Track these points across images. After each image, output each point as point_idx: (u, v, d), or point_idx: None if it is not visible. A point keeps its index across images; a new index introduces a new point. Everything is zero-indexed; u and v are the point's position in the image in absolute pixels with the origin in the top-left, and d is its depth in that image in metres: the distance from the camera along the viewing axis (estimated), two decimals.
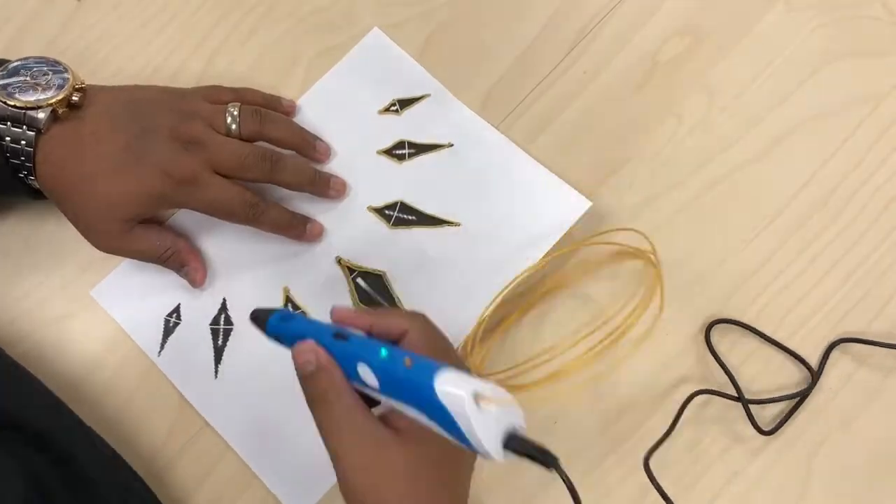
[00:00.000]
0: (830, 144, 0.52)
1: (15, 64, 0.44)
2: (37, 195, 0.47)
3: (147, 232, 0.47)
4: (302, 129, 0.50)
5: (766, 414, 0.48)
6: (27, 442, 0.42)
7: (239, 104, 0.48)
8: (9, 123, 0.43)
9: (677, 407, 0.47)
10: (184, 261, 0.48)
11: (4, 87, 0.43)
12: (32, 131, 0.43)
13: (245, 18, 0.54)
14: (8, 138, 0.43)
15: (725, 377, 0.48)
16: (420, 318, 0.40)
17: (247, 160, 0.46)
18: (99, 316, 0.50)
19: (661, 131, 0.52)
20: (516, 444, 0.32)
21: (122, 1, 0.55)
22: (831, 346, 0.48)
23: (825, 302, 0.49)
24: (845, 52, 0.53)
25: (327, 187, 0.50)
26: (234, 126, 0.47)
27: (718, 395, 0.47)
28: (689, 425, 0.47)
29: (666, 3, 0.54)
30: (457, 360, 0.42)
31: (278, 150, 0.48)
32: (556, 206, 0.49)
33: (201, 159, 0.45)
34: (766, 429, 0.47)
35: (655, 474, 0.44)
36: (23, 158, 0.43)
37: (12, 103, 0.42)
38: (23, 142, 0.43)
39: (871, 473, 0.47)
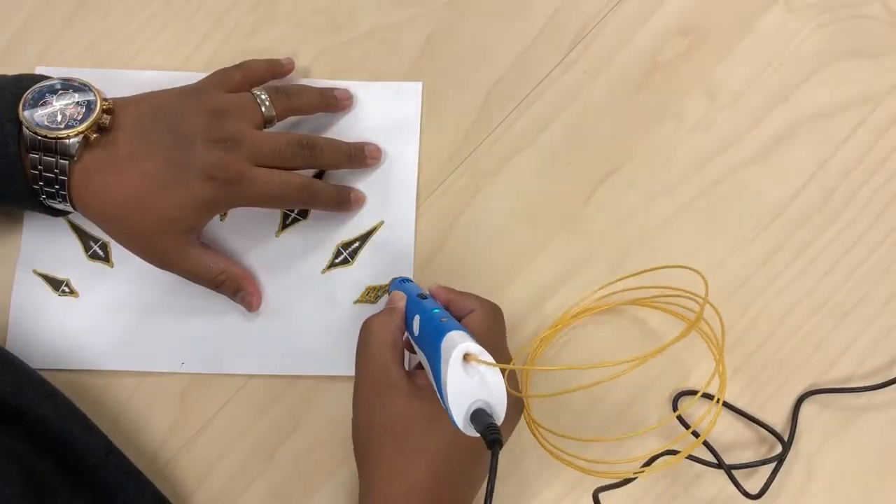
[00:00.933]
0: (830, 144, 0.52)
1: (39, 87, 0.44)
2: (57, 213, 0.47)
3: (205, 254, 0.47)
4: (320, 89, 0.51)
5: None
6: (26, 429, 0.42)
7: (263, 88, 0.48)
8: (41, 153, 0.42)
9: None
10: (239, 285, 0.48)
11: (32, 115, 0.42)
12: (66, 160, 0.42)
13: (245, 19, 0.54)
14: (41, 167, 0.43)
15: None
16: (489, 305, 0.44)
17: (286, 152, 0.46)
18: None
19: (662, 131, 0.52)
20: (475, 418, 0.34)
21: (122, 1, 0.55)
22: (801, 399, 0.48)
23: (825, 303, 0.49)
24: (845, 52, 0.53)
25: (364, 156, 0.51)
26: (267, 111, 0.47)
27: (694, 459, 0.46)
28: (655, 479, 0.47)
29: (666, 3, 0.54)
30: (503, 352, 0.44)
31: (310, 135, 0.49)
32: (400, 103, 0.53)
33: (242, 155, 0.45)
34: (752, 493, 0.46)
35: None
36: (57, 187, 0.43)
37: (43, 133, 0.42)
38: (56, 171, 0.43)
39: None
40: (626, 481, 0.44)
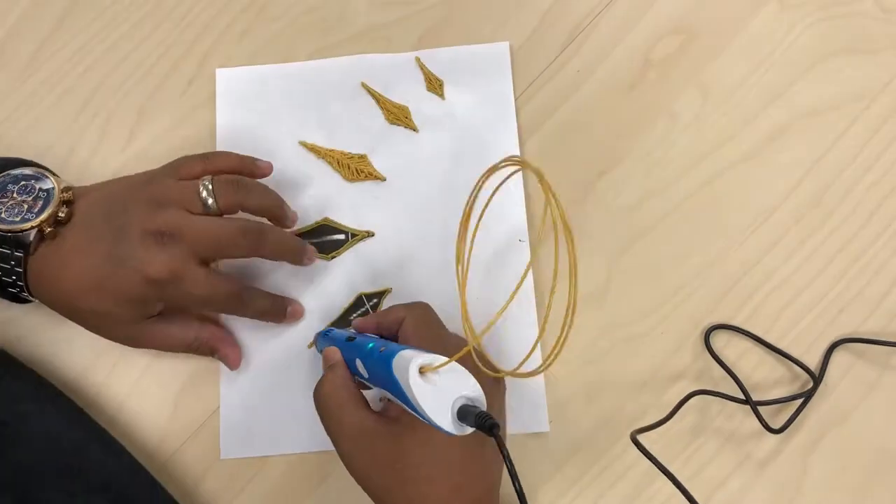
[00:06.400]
0: (824, 142, 0.52)
1: (1, 180, 0.43)
2: (23, 301, 0.46)
3: (168, 326, 0.45)
4: (278, 197, 0.47)
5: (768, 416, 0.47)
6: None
7: (211, 177, 0.44)
8: None
9: (674, 402, 0.46)
10: (214, 348, 0.47)
11: None
12: (20, 252, 0.42)
13: (238, 18, 0.54)
14: None
15: (722, 380, 0.48)
16: (417, 307, 0.43)
17: (226, 240, 0.43)
18: None
19: (655, 130, 0.52)
20: (462, 416, 0.34)
21: (115, 1, 0.55)
22: (832, 347, 0.48)
23: (821, 299, 0.49)
24: (838, 50, 0.53)
25: (304, 256, 0.48)
26: (210, 201, 0.43)
27: (723, 396, 0.47)
28: (687, 419, 0.48)
29: (658, 2, 0.54)
30: (450, 341, 0.43)
31: (258, 221, 0.45)
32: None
33: (179, 252, 0.42)
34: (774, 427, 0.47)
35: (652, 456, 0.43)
36: (14, 278, 0.43)
37: (2, 227, 0.42)
38: (12, 262, 0.42)
39: (871, 470, 0.47)
40: (660, 423, 0.44)
